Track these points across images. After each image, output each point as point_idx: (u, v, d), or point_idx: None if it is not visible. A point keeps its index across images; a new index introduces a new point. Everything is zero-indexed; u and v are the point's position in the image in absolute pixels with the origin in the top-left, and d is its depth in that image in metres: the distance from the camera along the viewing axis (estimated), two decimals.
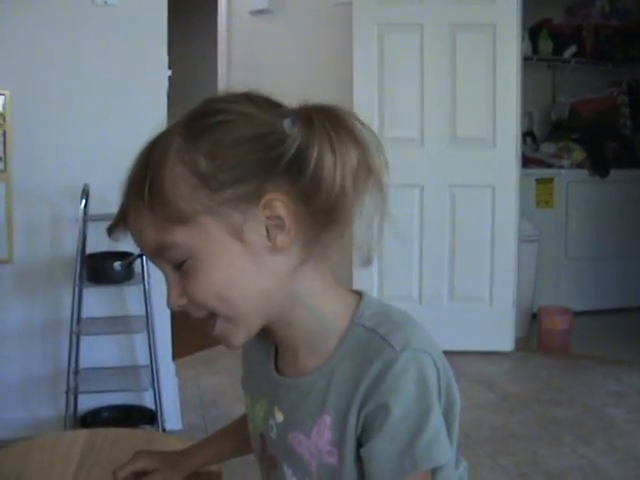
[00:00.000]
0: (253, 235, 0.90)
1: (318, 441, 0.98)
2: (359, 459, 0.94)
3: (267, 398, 1.06)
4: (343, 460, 0.96)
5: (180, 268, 0.92)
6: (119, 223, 0.96)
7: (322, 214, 0.90)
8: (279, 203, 0.89)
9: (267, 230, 0.91)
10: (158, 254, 0.93)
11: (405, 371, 0.90)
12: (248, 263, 0.92)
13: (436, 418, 0.92)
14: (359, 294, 1.02)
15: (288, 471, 1.04)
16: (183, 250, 0.91)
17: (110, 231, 0.98)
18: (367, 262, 0.97)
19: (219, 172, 0.88)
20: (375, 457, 0.91)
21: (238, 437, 1.29)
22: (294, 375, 1.02)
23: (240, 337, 0.97)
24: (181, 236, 0.90)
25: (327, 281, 0.99)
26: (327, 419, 0.97)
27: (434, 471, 0.95)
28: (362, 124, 0.93)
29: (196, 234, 0.90)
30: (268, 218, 0.90)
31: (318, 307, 0.98)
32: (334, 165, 0.88)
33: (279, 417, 1.04)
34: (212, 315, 0.94)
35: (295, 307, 0.97)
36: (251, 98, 0.94)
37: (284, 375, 1.04)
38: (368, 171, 0.92)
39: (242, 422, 1.23)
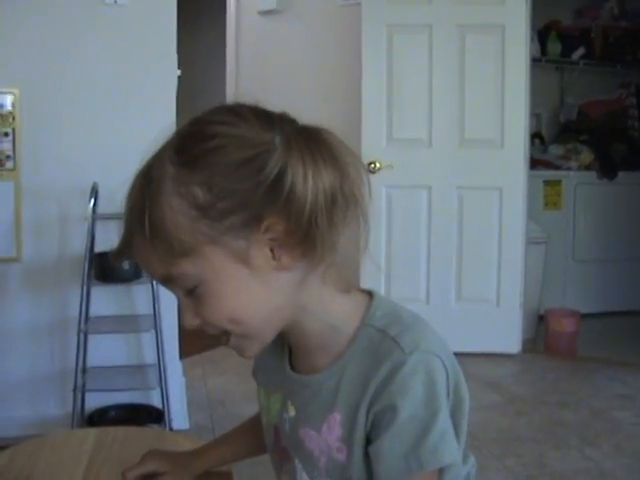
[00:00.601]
0: (259, 258, 0.91)
1: (328, 437, 1.00)
2: (367, 456, 0.96)
3: (282, 392, 1.08)
4: (352, 457, 0.97)
5: (191, 293, 0.93)
6: (124, 251, 0.96)
7: (303, 233, 0.90)
8: (279, 226, 0.90)
9: (271, 250, 0.91)
10: (167, 282, 0.94)
11: (414, 373, 0.92)
12: (256, 284, 0.92)
13: (443, 420, 0.93)
14: (369, 294, 1.03)
15: (299, 465, 1.06)
16: (191, 279, 0.91)
17: (115, 257, 0.98)
18: (347, 288, 0.99)
19: (218, 201, 0.88)
20: (382, 456, 0.93)
21: (252, 437, 1.29)
22: (307, 372, 1.03)
23: (254, 349, 0.99)
24: (187, 267, 0.90)
25: (335, 285, 0.99)
26: (337, 416, 0.98)
27: (442, 470, 0.96)
28: (346, 149, 0.93)
29: (201, 264, 0.90)
30: (271, 240, 0.91)
31: (328, 312, 0.99)
32: (304, 185, 0.88)
33: (291, 412, 1.05)
34: (226, 332, 0.96)
35: (305, 315, 0.98)
36: (239, 114, 0.93)
37: (297, 372, 1.05)
38: (348, 198, 0.92)
39: (256, 422, 1.23)
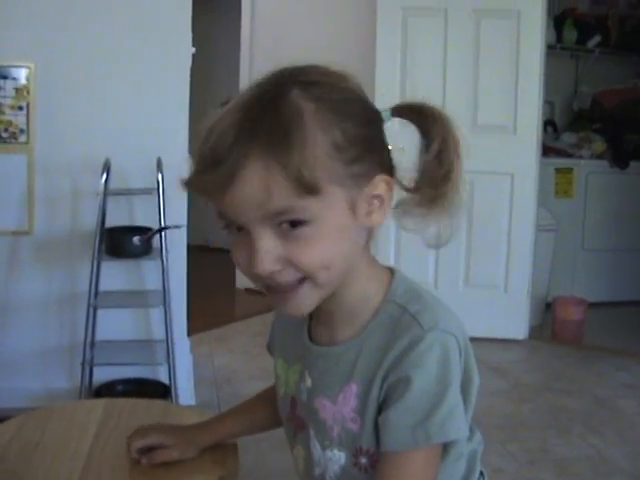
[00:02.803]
0: (361, 210, 0.94)
1: (343, 408, 1.02)
2: (378, 426, 0.98)
3: (301, 362, 1.10)
4: (364, 427, 1.00)
5: (289, 233, 0.90)
6: (215, 174, 0.87)
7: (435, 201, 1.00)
8: (385, 185, 0.95)
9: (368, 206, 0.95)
10: (269, 217, 0.89)
11: (429, 349, 0.95)
12: (352, 234, 0.96)
13: (453, 396, 0.96)
14: (391, 270, 1.06)
15: (311, 432, 1.08)
16: (307, 216, 0.89)
17: (192, 185, 0.92)
18: (437, 245, 1.03)
19: (351, 147, 0.91)
20: (390, 426, 0.95)
21: (260, 413, 1.31)
22: (326, 344, 1.05)
23: (315, 303, 0.97)
24: (311, 202, 0.89)
25: (369, 258, 1.03)
26: (354, 387, 1.01)
27: (446, 445, 0.99)
28: (449, 120, 1.08)
29: (324, 202, 0.90)
30: (372, 196, 0.94)
31: (363, 282, 1.02)
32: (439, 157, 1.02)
33: (308, 382, 1.07)
34: (302, 280, 0.94)
35: (349, 280, 1.00)
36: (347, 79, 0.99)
37: (316, 343, 1.07)
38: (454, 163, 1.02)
39: (263, 398, 1.24)
